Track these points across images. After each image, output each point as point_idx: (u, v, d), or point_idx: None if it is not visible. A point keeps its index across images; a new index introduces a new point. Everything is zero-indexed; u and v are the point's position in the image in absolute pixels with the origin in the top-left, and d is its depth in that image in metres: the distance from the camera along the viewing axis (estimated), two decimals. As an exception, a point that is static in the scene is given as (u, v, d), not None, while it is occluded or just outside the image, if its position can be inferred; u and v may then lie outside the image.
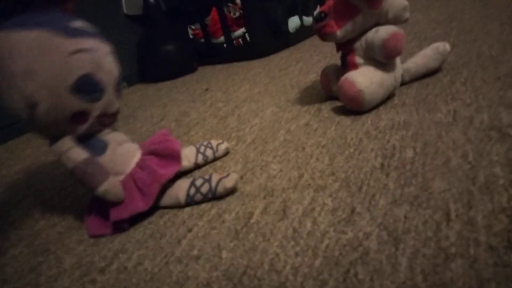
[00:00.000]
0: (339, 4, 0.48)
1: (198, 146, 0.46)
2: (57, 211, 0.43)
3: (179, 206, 0.37)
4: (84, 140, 0.35)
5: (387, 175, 0.34)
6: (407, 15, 0.48)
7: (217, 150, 0.46)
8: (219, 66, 1.11)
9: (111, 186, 0.34)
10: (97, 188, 0.34)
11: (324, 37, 0.50)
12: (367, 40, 0.48)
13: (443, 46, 0.53)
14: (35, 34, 0.31)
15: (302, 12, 1.16)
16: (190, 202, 0.37)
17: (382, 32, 0.47)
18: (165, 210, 0.37)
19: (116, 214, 0.35)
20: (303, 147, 0.44)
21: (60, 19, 0.33)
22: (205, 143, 0.47)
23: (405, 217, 0.28)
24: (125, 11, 1.14)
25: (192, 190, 0.37)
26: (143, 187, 0.35)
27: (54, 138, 0.35)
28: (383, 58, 0.47)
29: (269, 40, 1.07)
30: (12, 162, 0.67)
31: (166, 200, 0.38)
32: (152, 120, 0.72)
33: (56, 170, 0.57)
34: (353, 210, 0.30)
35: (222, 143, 0.47)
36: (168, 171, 0.37)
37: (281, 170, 0.40)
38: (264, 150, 0.45)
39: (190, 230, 0.33)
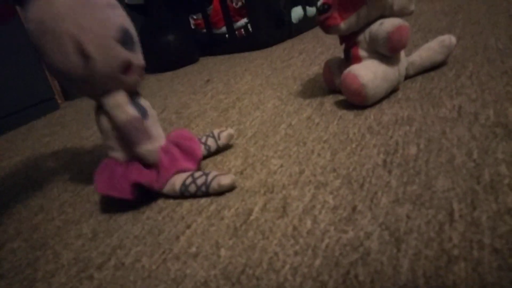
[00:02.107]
0: None
1: (200, 137, 0.45)
2: (56, 205, 0.43)
3: (174, 195, 0.37)
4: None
5: (390, 172, 0.33)
6: (412, 7, 0.47)
7: (219, 138, 0.45)
8: (220, 57, 1.10)
9: (154, 147, 0.37)
10: (140, 145, 0.36)
11: (327, 29, 0.49)
12: (371, 33, 0.47)
13: (449, 39, 0.52)
14: None
15: (306, 2, 1.14)
16: (184, 191, 0.37)
17: (386, 25, 0.45)
18: (164, 205, 0.37)
19: (135, 177, 0.36)
20: (304, 141, 0.43)
21: None
22: (207, 133, 0.46)
23: (408, 216, 0.27)
24: (126, 0, 1.12)
25: (189, 180, 0.37)
26: (162, 168, 0.37)
27: (105, 93, 0.37)
28: (387, 51, 0.46)
29: (271, 30, 1.05)
30: (12, 154, 0.67)
31: (165, 187, 0.38)
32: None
33: (55, 163, 0.57)
34: (354, 209, 0.29)
35: (225, 129, 0.45)
36: (187, 165, 0.39)
37: (281, 166, 0.39)
38: (265, 145, 0.45)
39: (188, 227, 0.33)
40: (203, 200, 0.36)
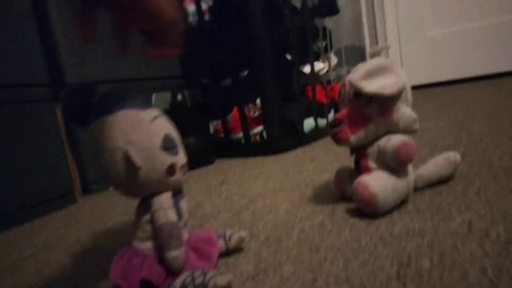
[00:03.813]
0: (353, 113, 0.52)
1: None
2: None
3: None
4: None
5: (404, 285, 0.33)
6: (416, 126, 0.51)
7: (229, 240, 0.46)
8: (236, 160, 1.15)
9: (181, 255, 0.39)
10: (170, 251, 0.38)
11: (339, 142, 0.53)
12: (380, 147, 0.51)
13: (454, 156, 0.55)
14: (123, 113, 0.39)
15: (317, 114, 1.24)
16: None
17: (393, 141, 0.49)
18: (173, 308, 0.36)
19: (145, 273, 0.38)
20: (317, 248, 0.43)
21: (131, 98, 0.42)
22: (219, 233, 0.47)
23: (425, 335, 0.26)
24: (154, 106, 1.24)
25: (188, 279, 0.38)
26: (206, 254, 0.42)
27: (150, 195, 0.41)
28: (395, 165, 0.49)
29: (285, 138, 1.13)
30: (24, 246, 0.67)
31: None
32: (167, 210, 0.73)
33: (67, 258, 0.57)
34: (369, 323, 0.29)
35: (237, 232, 0.47)
36: (199, 267, 0.40)
37: (294, 273, 0.39)
38: (278, 249, 0.45)
39: (197, 333, 0.32)
40: (213, 305, 0.35)
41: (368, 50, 2.42)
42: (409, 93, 0.53)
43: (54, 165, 0.94)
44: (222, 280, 0.37)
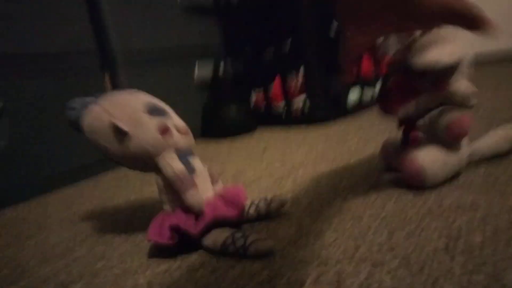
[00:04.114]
0: (403, 84, 0.49)
1: (254, 200, 0.48)
2: (116, 253, 0.45)
3: (214, 250, 0.40)
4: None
5: (452, 258, 0.32)
6: (473, 101, 0.47)
7: (271, 202, 0.46)
8: (277, 129, 1.15)
9: (197, 193, 0.41)
10: (186, 192, 0.41)
11: (386, 113, 0.50)
12: (431, 120, 0.48)
13: (513, 129, 0.51)
14: (102, 99, 0.46)
15: (363, 83, 1.19)
16: (225, 250, 0.39)
17: (447, 114, 0.46)
18: (217, 265, 0.38)
19: (174, 221, 0.40)
20: (360, 217, 0.43)
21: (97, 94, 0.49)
22: (262, 197, 0.48)
23: (474, 308, 0.25)
24: (197, 73, 1.25)
25: (229, 241, 0.39)
26: (201, 215, 0.41)
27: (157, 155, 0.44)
28: (448, 139, 0.46)
29: (328, 108, 1.10)
30: (82, 201, 0.72)
31: (207, 240, 0.41)
32: (210, 175, 0.75)
33: (118, 215, 0.61)
34: (414, 292, 0.28)
35: (279, 196, 0.47)
36: (226, 212, 0.42)
37: (336, 239, 0.39)
38: (319, 217, 0.45)
39: (240, 290, 0.33)
40: (256, 265, 0.36)
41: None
42: (466, 66, 0.47)
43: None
44: (263, 245, 0.38)
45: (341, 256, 0.35)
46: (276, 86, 1.22)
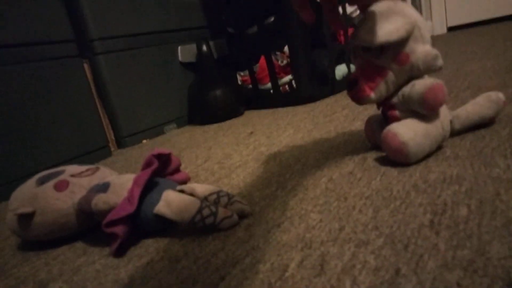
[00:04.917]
0: (367, 68, 0.48)
1: (221, 191, 0.44)
2: (97, 249, 0.44)
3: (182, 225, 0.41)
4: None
5: (437, 234, 0.31)
6: (439, 62, 0.46)
7: (231, 204, 0.42)
8: (265, 111, 1.13)
9: (97, 198, 0.41)
10: (91, 206, 0.41)
11: (360, 101, 0.49)
12: (404, 95, 0.47)
13: (496, 94, 0.50)
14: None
15: (350, 60, 1.17)
16: (192, 226, 0.40)
17: (418, 86, 0.45)
18: (200, 254, 0.37)
19: (106, 219, 0.39)
20: (345, 197, 0.42)
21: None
22: (231, 194, 0.44)
23: (458, 284, 0.25)
24: (180, 59, 1.22)
25: (198, 218, 0.39)
26: (128, 195, 0.41)
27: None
28: (424, 112, 0.45)
29: (315, 87, 1.08)
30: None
31: (174, 213, 0.40)
32: (196, 161, 0.74)
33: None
34: (397, 271, 0.27)
35: (245, 204, 0.43)
36: (143, 174, 0.42)
37: (321, 221, 0.38)
38: (304, 198, 0.44)
39: (222, 279, 0.32)
40: (239, 251, 0.36)
41: (407, -13, 2.21)
42: (423, 29, 0.46)
43: (87, 120, 0.96)
44: (232, 222, 0.41)
45: (325, 238, 0.34)
46: (261, 67, 1.19)
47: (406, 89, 0.47)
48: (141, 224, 0.42)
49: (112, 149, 1.07)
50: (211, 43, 1.20)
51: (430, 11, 2.42)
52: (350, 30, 1.18)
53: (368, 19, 0.45)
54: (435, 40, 1.94)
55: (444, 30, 2.42)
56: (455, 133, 0.51)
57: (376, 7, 0.45)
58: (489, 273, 0.25)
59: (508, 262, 0.26)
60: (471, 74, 0.89)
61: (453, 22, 2.38)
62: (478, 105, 0.50)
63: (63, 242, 0.48)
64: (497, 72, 0.83)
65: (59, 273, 0.40)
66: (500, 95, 0.50)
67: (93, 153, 0.97)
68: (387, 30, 0.44)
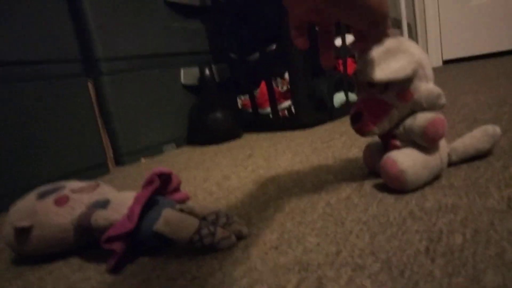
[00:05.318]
0: (371, 102, 0.49)
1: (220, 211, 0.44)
2: (93, 265, 0.44)
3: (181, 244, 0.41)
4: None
5: (433, 261, 0.31)
6: (442, 101, 0.47)
7: (230, 224, 0.43)
8: (263, 135, 1.15)
9: (97, 214, 0.41)
10: (90, 222, 0.41)
11: (364, 135, 0.50)
12: (406, 127, 0.48)
13: (493, 128, 0.52)
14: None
15: (348, 88, 1.20)
16: (191, 245, 0.40)
17: (420, 120, 0.46)
18: (197, 274, 0.37)
19: (105, 235, 0.39)
20: (342, 221, 0.42)
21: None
22: (229, 214, 0.44)
23: (453, 311, 0.25)
24: (182, 81, 1.24)
25: (196, 238, 0.40)
26: (129, 212, 0.41)
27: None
28: (425, 144, 0.47)
29: (313, 113, 1.10)
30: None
31: (172, 232, 0.40)
32: (194, 182, 0.74)
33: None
34: (394, 296, 0.28)
35: (243, 225, 0.44)
36: (144, 192, 0.42)
37: (318, 244, 0.38)
38: (302, 221, 0.45)
39: (219, 299, 0.32)
40: (236, 272, 0.36)
41: (404, 21, 2.29)
42: (427, 68, 0.47)
43: (87, 137, 0.97)
44: (230, 243, 0.41)
45: (322, 261, 0.35)
46: (262, 91, 1.22)
47: (408, 121, 0.48)
48: (140, 241, 0.42)
49: (110, 166, 1.07)
50: (213, 67, 1.23)
51: (426, 44, 2.49)
52: (349, 61, 1.22)
53: (375, 55, 0.46)
54: (431, 73, 1.99)
55: (440, 63, 2.49)
56: (451, 164, 0.52)
57: (383, 44, 0.46)
58: (483, 300, 0.26)
59: (502, 290, 0.26)
60: (466, 106, 0.91)
61: (448, 56, 2.45)
62: (475, 139, 0.52)
63: (58, 257, 0.47)
64: (491, 106, 0.86)
65: (53, 288, 0.40)
66: (497, 129, 0.51)
67: (91, 170, 0.97)
68: (393, 68, 0.45)
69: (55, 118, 0.89)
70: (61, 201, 0.46)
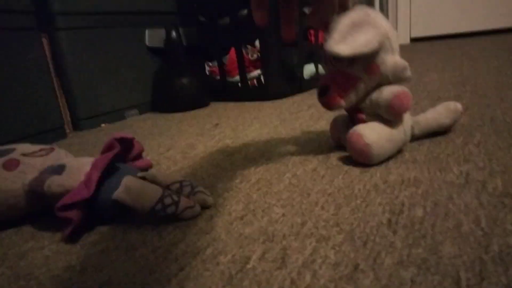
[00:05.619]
0: (338, 76, 0.48)
1: (184, 180, 0.43)
2: (47, 234, 0.42)
3: (142, 213, 0.39)
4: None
5: (395, 232, 0.32)
6: (408, 74, 0.48)
7: (194, 193, 0.42)
8: (231, 104, 1.12)
9: (51, 180, 0.39)
10: (43, 188, 0.38)
11: (330, 108, 0.49)
12: (372, 100, 0.48)
13: (454, 105, 0.53)
14: None
15: (318, 60, 1.19)
16: (153, 215, 0.38)
17: (385, 93, 0.47)
18: (159, 244, 0.36)
19: (60, 202, 0.37)
20: (308, 193, 0.43)
21: None
22: (194, 183, 0.43)
23: (412, 280, 0.26)
24: (147, 43, 1.17)
25: (158, 207, 0.38)
26: (85, 179, 0.39)
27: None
28: (390, 117, 0.47)
29: (283, 84, 1.09)
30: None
31: (133, 200, 0.38)
32: (158, 149, 0.71)
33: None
34: (356, 267, 0.28)
35: (208, 195, 0.43)
36: (103, 157, 0.40)
37: (283, 215, 0.38)
38: (268, 192, 0.44)
39: (182, 269, 0.31)
40: (200, 242, 0.35)
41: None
42: (393, 41, 0.47)
43: (42, 98, 0.90)
44: (194, 212, 0.40)
45: (288, 232, 0.35)
46: (231, 59, 1.18)
47: (374, 95, 0.48)
48: (98, 210, 0.40)
49: (68, 131, 1.01)
50: (181, 29, 1.17)
51: (396, 21, 2.52)
52: (321, 32, 1.20)
53: (340, 28, 0.44)
54: (399, 49, 2.02)
55: (407, 41, 2.53)
56: (414, 138, 0.53)
57: (348, 16, 0.44)
58: (440, 271, 0.26)
59: (458, 261, 0.27)
60: (430, 84, 0.93)
61: (416, 34, 2.50)
62: (437, 113, 0.53)
63: (9, 225, 0.44)
64: (454, 84, 0.88)
65: (3, 258, 0.37)
66: (458, 105, 0.53)
67: (46, 133, 0.91)
68: (360, 41, 0.44)
69: (4, 75, 0.81)
70: (11, 165, 0.42)
